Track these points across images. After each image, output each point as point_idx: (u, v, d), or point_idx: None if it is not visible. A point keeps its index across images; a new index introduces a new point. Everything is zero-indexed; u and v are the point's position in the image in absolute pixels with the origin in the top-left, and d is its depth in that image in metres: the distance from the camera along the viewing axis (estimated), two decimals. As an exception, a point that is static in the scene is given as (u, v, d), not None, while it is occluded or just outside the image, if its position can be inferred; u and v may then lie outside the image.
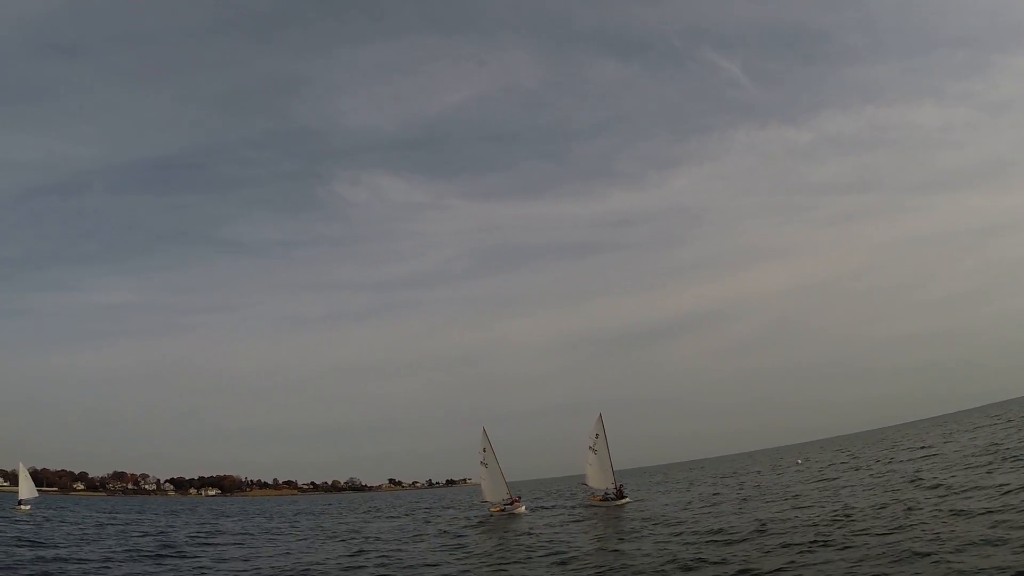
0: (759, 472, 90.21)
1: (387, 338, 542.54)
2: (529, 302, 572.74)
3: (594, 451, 62.66)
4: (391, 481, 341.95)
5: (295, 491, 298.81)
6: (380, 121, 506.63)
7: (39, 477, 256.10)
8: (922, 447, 71.71)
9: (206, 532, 54.75)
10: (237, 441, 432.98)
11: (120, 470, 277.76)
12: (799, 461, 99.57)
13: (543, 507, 66.55)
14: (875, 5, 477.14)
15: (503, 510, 59.65)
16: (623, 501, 58.17)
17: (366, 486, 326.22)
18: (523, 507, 60.70)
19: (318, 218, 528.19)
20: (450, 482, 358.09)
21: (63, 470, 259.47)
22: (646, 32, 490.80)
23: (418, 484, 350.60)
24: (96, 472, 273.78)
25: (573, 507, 62.83)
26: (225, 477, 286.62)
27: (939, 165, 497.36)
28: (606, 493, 60.56)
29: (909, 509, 27.91)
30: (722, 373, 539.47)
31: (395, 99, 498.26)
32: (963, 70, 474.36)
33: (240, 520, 75.48)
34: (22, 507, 79.86)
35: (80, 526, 57.94)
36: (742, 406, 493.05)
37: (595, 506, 59.29)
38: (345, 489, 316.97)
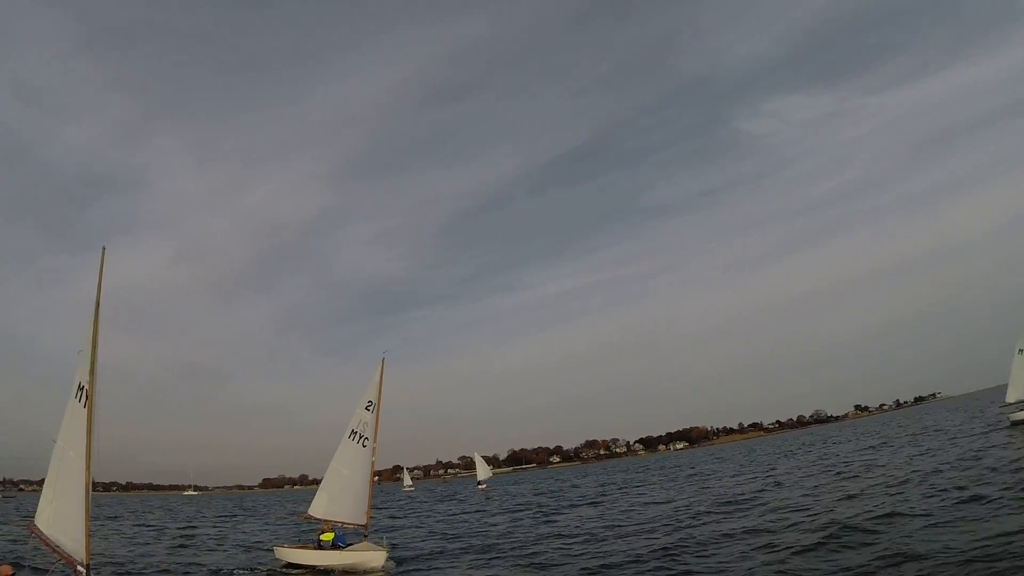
0: None
1: (830, 258, 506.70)
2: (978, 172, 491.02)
3: None
4: (857, 407, 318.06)
5: (761, 432, 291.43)
6: (760, 45, 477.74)
7: (518, 457, 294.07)
8: None
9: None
10: (700, 393, 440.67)
11: (592, 439, 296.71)
12: None
13: None
14: None
15: None
16: None
17: (832, 416, 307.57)
18: None
19: (732, 159, 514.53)
20: (918, 399, 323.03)
21: (539, 447, 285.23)
22: None
23: (885, 407, 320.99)
24: (569, 444, 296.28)
25: None
26: (692, 429, 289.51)
27: None
28: None
29: None
30: None
31: (767, 16, 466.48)
32: None
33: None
34: (480, 487, 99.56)
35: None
36: None
37: None
38: (811, 423, 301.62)
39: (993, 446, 36.54)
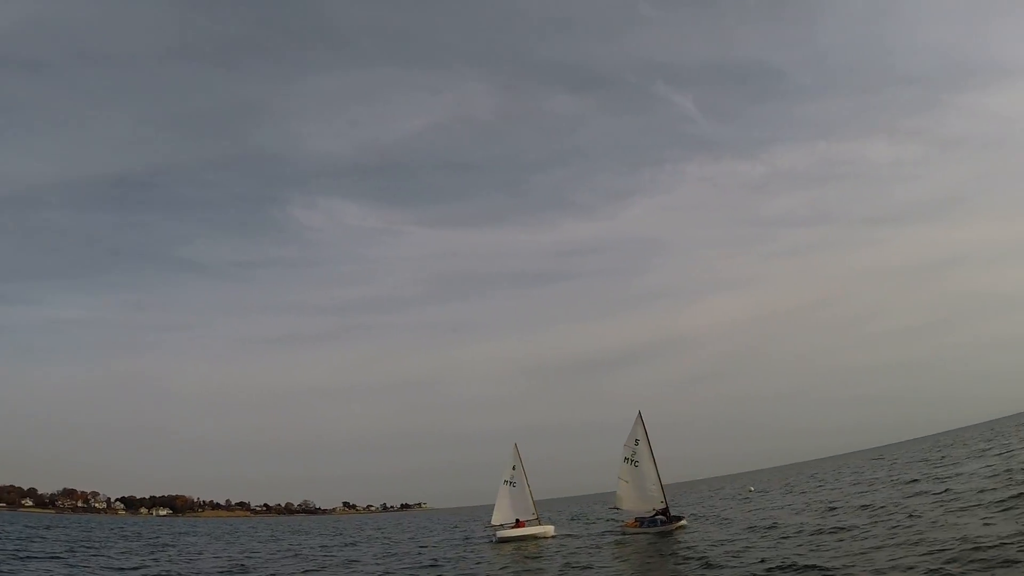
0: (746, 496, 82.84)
1: (341, 361, 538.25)
2: (483, 328, 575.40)
3: (633, 463, 49.86)
4: (345, 504, 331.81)
5: (248, 513, 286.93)
6: (337, 147, 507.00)
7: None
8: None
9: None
10: (190, 460, 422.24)
11: (71, 487, 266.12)
12: (750, 489, 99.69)
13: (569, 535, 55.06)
14: (826, 44, 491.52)
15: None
16: (679, 524, 45.04)
17: (320, 509, 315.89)
18: (551, 528, 54.31)
19: (274, 241, 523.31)
20: (405, 506, 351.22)
21: (11, 485, 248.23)
22: (601, 67, 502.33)
23: (372, 508, 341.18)
24: (46, 488, 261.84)
25: (602, 533, 51.45)
26: (177, 497, 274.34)
27: (892, 199, 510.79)
28: (653, 516, 47.19)
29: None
30: (679, 402, 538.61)
31: (352, 126, 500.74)
32: (914, 107, 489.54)
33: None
34: None
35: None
36: (698, 434, 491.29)
37: (630, 533, 46.16)
38: (299, 512, 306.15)
39: (450, 558, 42.30)
